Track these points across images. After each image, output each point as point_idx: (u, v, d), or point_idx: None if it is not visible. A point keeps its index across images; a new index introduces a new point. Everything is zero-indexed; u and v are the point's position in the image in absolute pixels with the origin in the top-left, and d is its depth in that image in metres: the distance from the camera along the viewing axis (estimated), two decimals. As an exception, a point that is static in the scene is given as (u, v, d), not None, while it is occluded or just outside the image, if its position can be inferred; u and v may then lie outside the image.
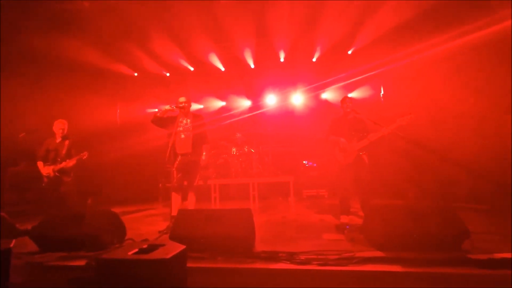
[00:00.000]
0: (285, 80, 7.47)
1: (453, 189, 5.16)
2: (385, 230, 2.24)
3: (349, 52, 6.89)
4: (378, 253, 2.08)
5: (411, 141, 5.18)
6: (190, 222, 2.56)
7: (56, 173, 4.33)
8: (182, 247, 1.60)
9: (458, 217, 2.20)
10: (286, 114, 7.49)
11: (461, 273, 1.71)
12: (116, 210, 3.28)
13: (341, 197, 3.81)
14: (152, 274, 1.40)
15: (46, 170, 4.34)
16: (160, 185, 6.63)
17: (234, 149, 6.57)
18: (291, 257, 2.09)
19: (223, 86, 7.81)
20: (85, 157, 4.32)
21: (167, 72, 7.79)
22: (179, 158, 3.79)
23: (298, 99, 7.52)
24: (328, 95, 7.40)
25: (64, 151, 4.40)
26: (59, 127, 4.50)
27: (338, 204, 3.81)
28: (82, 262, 2.35)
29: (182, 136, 3.82)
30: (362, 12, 5.64)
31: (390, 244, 2.17)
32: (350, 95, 7.21)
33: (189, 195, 3.85)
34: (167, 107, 3.81)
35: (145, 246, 1.66)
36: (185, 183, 3.84)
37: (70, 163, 4.31)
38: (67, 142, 4.48)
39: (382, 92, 6.90)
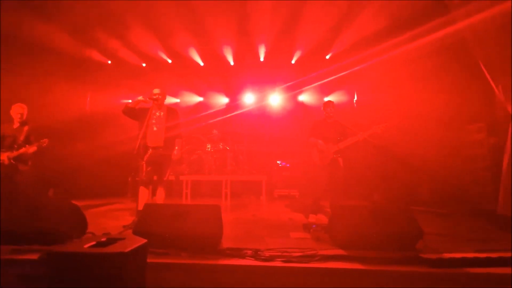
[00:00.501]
0: (263, 80, 7.50)
1: (416, 194, 5.48)
2: (347, 230, 2.34)
3: (327, 57, 7.07)
4: (340, 252, 2.16)
5: (380, 147, 5.44)
6: (156, 217, 2.49)
7: (12, 161, 4.02)
8: (143, 241, 1.54)
9: (414, 219, 2.34)
10: (262, 114, 7.54)
11: (414, 271, 1.83)
12: (81, 203, 3.11)
13: (313, 197, 3.94)
14: (109, 268, 1.34)
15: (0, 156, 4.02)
16: (130, 178, 6.39)
17: (209, 146, 6.49)
18: (255, 253, 2.10)
19: (201, 81, 7.69)
20: (45, 144, 4.05)
21: (143, 63, 7.52)
22: (149, 151, 3.66)
23: (275, 99, 7.59)
24: (304, 97, 7.54)
25: (22, 138, 4.10)
26: (18, 111, 4.17)
27: (310, 204, 3.92)
28: (35, 256, 2.20)
29: (154, 128, 3.70)
30: (340, 19, 5.80)
31: (351, 243, 2.26)
32: (326, 98, 7.41)
33: (158, 190, 3.75)
34: (140, 97, 3.68)
35: (103, 240, 1.58)
36: (155, 177, 3.73)
37: (30, 149, 4.02)
38: (26, 128, 4.17)
39: (356, 98, 7.16)
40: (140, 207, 3.38)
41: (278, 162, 6.69)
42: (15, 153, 4.01)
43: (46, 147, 4.09)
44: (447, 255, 1.92)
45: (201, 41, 6.81)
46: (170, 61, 7.43)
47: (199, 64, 7.51)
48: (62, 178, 6.25)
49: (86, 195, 5.90)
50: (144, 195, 3.62)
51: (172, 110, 3.93)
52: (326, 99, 7.36)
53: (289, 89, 7.32)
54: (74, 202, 2.94)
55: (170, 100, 7.37)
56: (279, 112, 7.51)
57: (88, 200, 5.47)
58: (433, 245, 2.29)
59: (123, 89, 7.49)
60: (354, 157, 5.71)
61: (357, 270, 1.85)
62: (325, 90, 7.18)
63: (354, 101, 7.15)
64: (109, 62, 7.38)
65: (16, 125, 4.18)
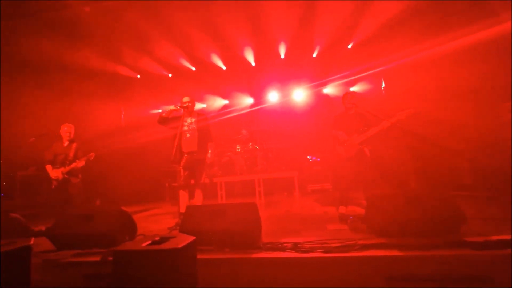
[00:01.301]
0: (286, 77, 7.53)
1: (458, 178, 5.21)
2: (385, 218, 2.33)
3: (349, 46, 6.93)
4: (379, 240, 2.16)
5: (413, 133, 5.25)
6: (198, 217, 2.65)
7: (65, 175, 4.46)
8: (192, 238, 1.70)
9: (455, 203, 2.28)
10: (288, 110, 7.57)
11: (457, 254, 1.80)
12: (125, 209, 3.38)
13: (341, 189, 3.93)
14: (165, 263, 1.50)
15: (55, 173, 4.47)
16: (167, 184, 6.74)
17: (238, 147, 6.66)
18: (295, 246, 2.18)
19: (225, 85, 7.91)
20: (92, 157, 4.45)
21: (169, 73, 7.90)
22: (185, 156, 3.87)
23: (299, 94, 7.58)
24: (329, 90, 7.45)
25: (71, 154, 4.53)
26: (66, 131, 4.63)
27: (338, 196, 3.92)
28: (96, 258, 2.46)
29: (188, 135, 3.90)
30: (360, 7, 5.67)
31: (390, 231, 2.25)
32: (351, 89, 7.28)
33: (196, 193, 3.93)
34: (172, 107, 3.89)
35: (157, 239, 1.76)
36: (192, 181, 3.93)
37: (79, 163, 4.44)
38: (74, 145, 4.61)
39: (384, 85, 6.93)
40: (182, 210, 3.59)
41: (308, 157, 6.68)
42: (67, 168, 4.46)
43: (93, 160, 4.49)
44: (494, 237, 1.86)
45: (221, 46, 7.00)
46: (194, 68, 7.72)
47: (222, 68, 7.71)
48: (106, 187, 6.75)
49: (126, 202, 6.33)
50: (184, 198, 3.83)
51: (201, 115, 4.11)
52: (351, 89, 7.25)
53: (313, 83, 7.28)
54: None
55: (198, 105, 7.66)
56: (305, 106, 7.49)
57: (128, 206, 5.84)
58: (478, 229, 2.22)
59: (153, 99, 7.93)
60: (386, 144, 5.58)
61: (398, 257, 1.86)
62: (350, 80, 7.04)
63: (382, 88, 6.92)
64: (138, 76, 7.84)
65: (65, 143, 4.63)
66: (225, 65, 7.65)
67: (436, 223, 2.24)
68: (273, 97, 7.71)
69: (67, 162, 4.49)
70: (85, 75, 6.58)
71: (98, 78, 6.86)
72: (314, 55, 7.24)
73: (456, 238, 1.99)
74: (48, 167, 4.53)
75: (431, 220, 2.25)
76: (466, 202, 3.50)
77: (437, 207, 2.34)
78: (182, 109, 3.90)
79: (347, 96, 3.99)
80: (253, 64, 7.58)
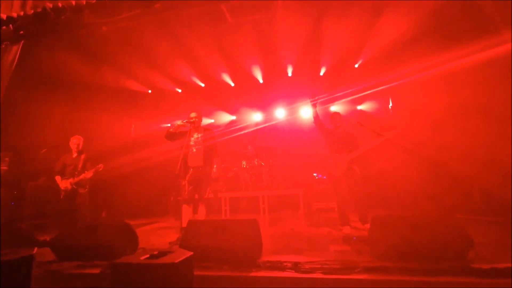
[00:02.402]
0: (293, 94, 7.61)
1: (468, 201, 5.07)
2: (390, 241, 2.27)
3: (356, 66, 7.01)
4: (382, 263, 2.10)
5: (421, 154, 5.18)
6: (199, 232, 2.64)
7: (73, 186, 4.54)
8: (190, 253, 1.70)
9: (462, 228, 2.21)
10: (295, 127, 7.59)
11: (463, 281, 1.73)
12: (128, 222, 3.40)
13: (338, 209, 3.90)
14: (162, 277, 1.50)
15: (63, 184, 4.56)
16: (172, 198, 6.75)
17: (244, 162, 6.67)
18: (295, 266, 2.14)
19: (233, 101, 8.04)
20: (101, 169, 4.54)
21: (179, 89, 8.10)
22: (190, 171, 3.91)
23: (306, 112, 7.62)
24: (335, 108, 7.48)
25: (80, 165, 4.63)
26: (75, 142, 4.75)
27: (338, 217, 3.89)
28: (96, 270, 2.46)
29: (194, 150, 3.95)
30: (367, 26, 5.77)
31: (394, 254, 2.19)
32: (359, 107, 7.30)
33: (200, 207, 3.93)
34: (179, 122, 3.97)
35: (155, 253, 1.76)
36: (196, 196, 3.94)
37: (88, 174, 4.53)
38: (82, 156, 4.72)
39: (391, 104, 6.92)
40: (184, 224, 3.58)
41: (314, 174, 6.62)
42: (76, 179, 4.54)
43: (101, 171, 4.57)
44: (501, 265, 1.79)
45: (230, 63, 7.17)
46: (203, 85, 7.91)
47: (230, 85, 7.87)
48: (113, 199, 6.80)
49: (131, 215, 6.35)
50: (187, 213, 3.83)
51: (208, 131, 4.18)
52: (359, 107, 7.27)
53: (319, 101, 7.30)
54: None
55: (205, 121, 7.77)
56: (311, 124, 7.49)
57: (133, 219, 5.85)
58: (486, 255, 2.13)
59: (162, 114, 8.11)
60: (396, 165, 5.51)
61: (401, 281, 1.79)
62: (357, 98, 7.06)
63: (390, 107, 6.91)
64: (149, 91, 8.07)
65: (74, 154, 4.75)
66: (233, 81, 7.82)
67: (442, 248, 2.17)
68: (280, 114, 7.77)
69: (76, 173, 4.58)
70: (98, 90, 6.82)
71: (110, 93, 7.08)
72: (321, 73, 7.33)
73: (462, 264, 1.91)
74: (58, 178, 4.63)
75: (437, 245, 2.18)
76: (475, 226, 3.38)
77: (444, 231, 2.28)
78: (189, 124, 3.98)
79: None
80: (261, 81, 7.72)
